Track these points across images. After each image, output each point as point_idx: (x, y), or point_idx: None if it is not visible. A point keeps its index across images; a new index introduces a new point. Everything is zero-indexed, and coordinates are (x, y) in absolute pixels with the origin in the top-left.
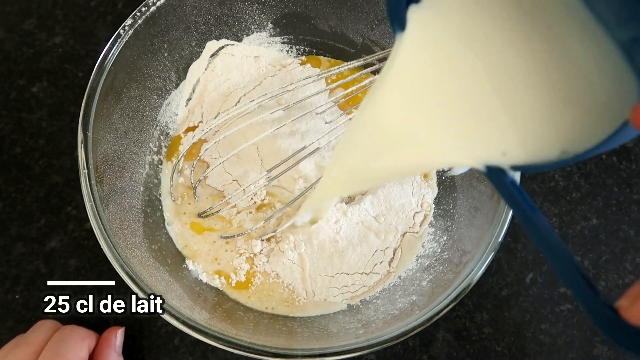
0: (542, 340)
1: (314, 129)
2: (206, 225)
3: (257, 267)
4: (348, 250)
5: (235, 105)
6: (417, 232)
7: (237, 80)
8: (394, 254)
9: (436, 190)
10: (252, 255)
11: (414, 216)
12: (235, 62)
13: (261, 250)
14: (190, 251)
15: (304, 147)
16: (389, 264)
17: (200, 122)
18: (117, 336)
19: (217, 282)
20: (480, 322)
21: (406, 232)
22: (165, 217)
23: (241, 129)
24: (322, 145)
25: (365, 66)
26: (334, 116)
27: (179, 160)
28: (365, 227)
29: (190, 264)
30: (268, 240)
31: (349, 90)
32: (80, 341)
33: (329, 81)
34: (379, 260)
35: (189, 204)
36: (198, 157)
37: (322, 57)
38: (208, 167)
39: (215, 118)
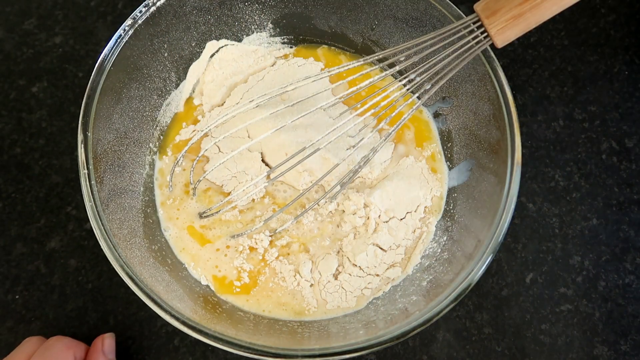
0: (542, 340)
1: (317, 122)
2: (209, 236)
3: (268, 260)
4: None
5: (238, 103)
6: (425, 229)
7: (237, 73)
8: (404, 253)
9: (446, 184)
10: (256, 249)
11: (423, 210)
12: (234, 57)
13: (269, 245)
14: (189, 255)
15: (305, 148)
16: (401, 263)
17: (200, 114)
18: (105, 341)
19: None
20: (480, 322)
21: (416, 229)
22: (160, 220)
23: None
24: (326, 144)
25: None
26: (338, 111)
27: (181, 157)
28: (376, 223)
29: (190, 266)
30: (272, 241)
31: (351, 90)
32: (66, 350)
33: (334, 78)
34: (391, 259)
35: (178, 209)
36: (198, 157)
37: (320, 48)
38: (208, 161)
39: (217, 113)
